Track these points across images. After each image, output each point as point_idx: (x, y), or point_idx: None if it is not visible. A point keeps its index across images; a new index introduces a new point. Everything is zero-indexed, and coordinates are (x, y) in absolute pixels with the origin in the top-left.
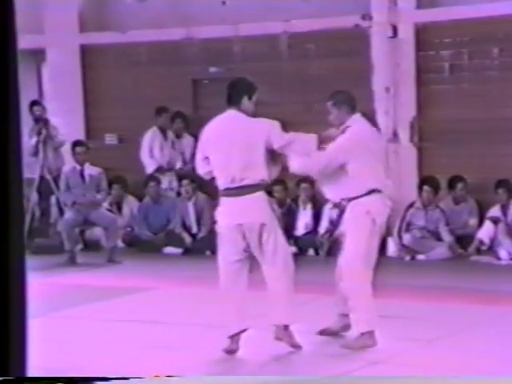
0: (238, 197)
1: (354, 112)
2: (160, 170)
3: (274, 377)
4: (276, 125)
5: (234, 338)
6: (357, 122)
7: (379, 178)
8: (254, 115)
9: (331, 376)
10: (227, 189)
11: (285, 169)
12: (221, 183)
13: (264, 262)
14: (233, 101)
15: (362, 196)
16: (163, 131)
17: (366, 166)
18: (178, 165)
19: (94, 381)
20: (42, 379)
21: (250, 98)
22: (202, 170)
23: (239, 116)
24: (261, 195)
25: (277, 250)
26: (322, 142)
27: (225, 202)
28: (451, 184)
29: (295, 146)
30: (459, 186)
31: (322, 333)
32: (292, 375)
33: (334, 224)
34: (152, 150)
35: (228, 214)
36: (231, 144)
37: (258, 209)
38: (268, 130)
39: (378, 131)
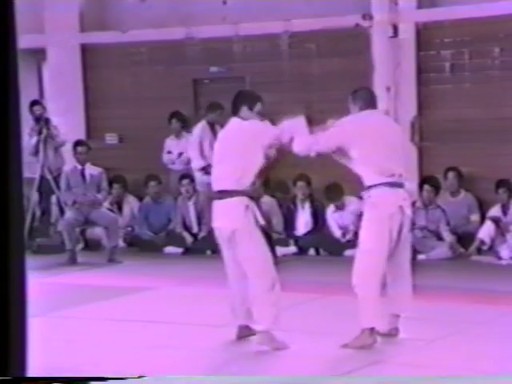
0: (218, 200)
1: (368, 108)
2: (206, 168)
3: (274, 377)
4: (266, 124)
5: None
6: (366, 113)
7: (390, 169)
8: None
9: (331, 376)
10: (215, 192)
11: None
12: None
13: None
14: (233, 111)
15: (369, 189)
16: (212, 127)
17: (372, 156)
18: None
19: (90, 381)
20: (39, 379)
21: (250, 109)
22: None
23: (236, 121)
24: (237, 200)
25: (246, 260)
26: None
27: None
28: (444, 175)
29: (286, 134)
30: (450, 175)
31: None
32: (292, 375)
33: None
34: (202, 145)
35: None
36: (224, 148)
37: (229, 214)
38: (261, 131)
39: (393, 122)
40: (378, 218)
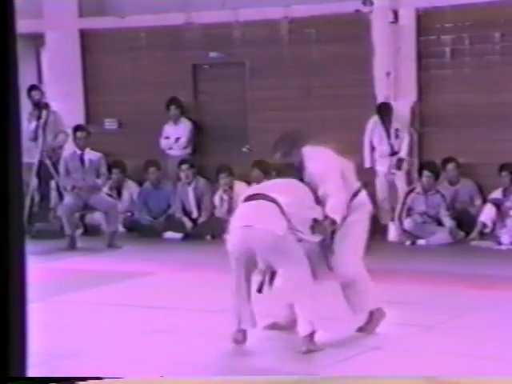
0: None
1: (300, 147)
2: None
3: (274, 376)
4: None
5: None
6: (305, 152)
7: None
8: None
9: (331, 376)
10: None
11: None
12: None
13: None
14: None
15: (357, 193)
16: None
17: (349, 169)
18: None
19: (88, 380)
20: (35, 379)
21: None
22: None
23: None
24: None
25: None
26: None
27: None
28: (443, 166)
29: None
30: (450, 166)
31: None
32: (291, 364)
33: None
34: (372, 143)
35: None
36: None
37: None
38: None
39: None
40: (366, 215)
